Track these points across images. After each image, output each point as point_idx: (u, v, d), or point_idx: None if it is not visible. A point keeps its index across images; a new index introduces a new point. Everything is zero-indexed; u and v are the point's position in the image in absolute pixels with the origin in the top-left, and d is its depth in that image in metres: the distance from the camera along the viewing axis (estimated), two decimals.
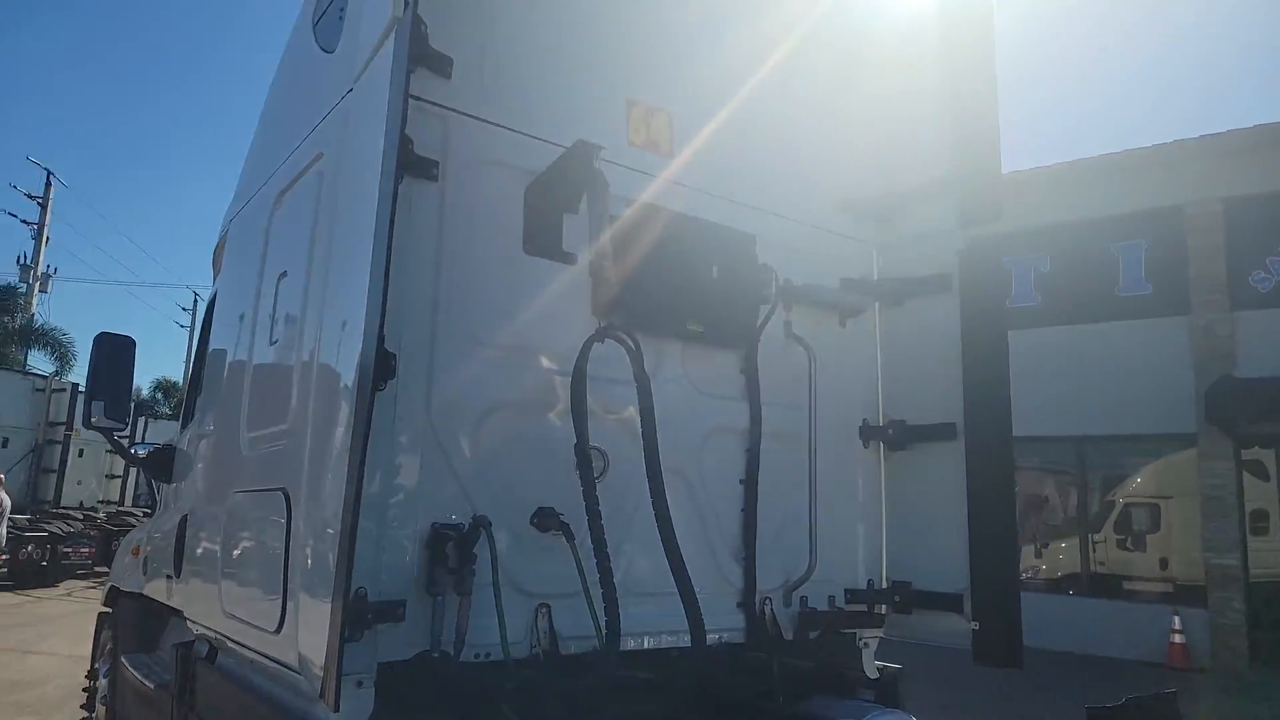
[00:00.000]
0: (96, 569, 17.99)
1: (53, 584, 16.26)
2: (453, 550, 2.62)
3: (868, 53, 3.98)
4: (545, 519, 2.88)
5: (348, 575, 2.10)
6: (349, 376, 2.34)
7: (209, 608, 3.41)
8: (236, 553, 3.19)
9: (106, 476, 23.29)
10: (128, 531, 19.22)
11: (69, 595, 15.52)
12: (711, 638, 3.18)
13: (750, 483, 3.43)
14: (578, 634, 2.88)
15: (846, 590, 3.71)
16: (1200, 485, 11.95)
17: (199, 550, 3.68)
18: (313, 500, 2.52)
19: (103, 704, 5.02)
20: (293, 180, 3.30)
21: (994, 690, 9.10)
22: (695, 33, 3.54)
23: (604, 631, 2.70)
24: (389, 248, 2.21)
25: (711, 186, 3.48)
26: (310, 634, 2.41)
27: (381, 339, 2.21)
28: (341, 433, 2.34)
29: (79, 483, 22.02)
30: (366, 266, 2.29)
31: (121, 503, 23.01)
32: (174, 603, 4.09)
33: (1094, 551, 13.50)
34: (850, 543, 3.76)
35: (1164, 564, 13.22)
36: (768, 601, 3.43)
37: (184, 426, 4.75)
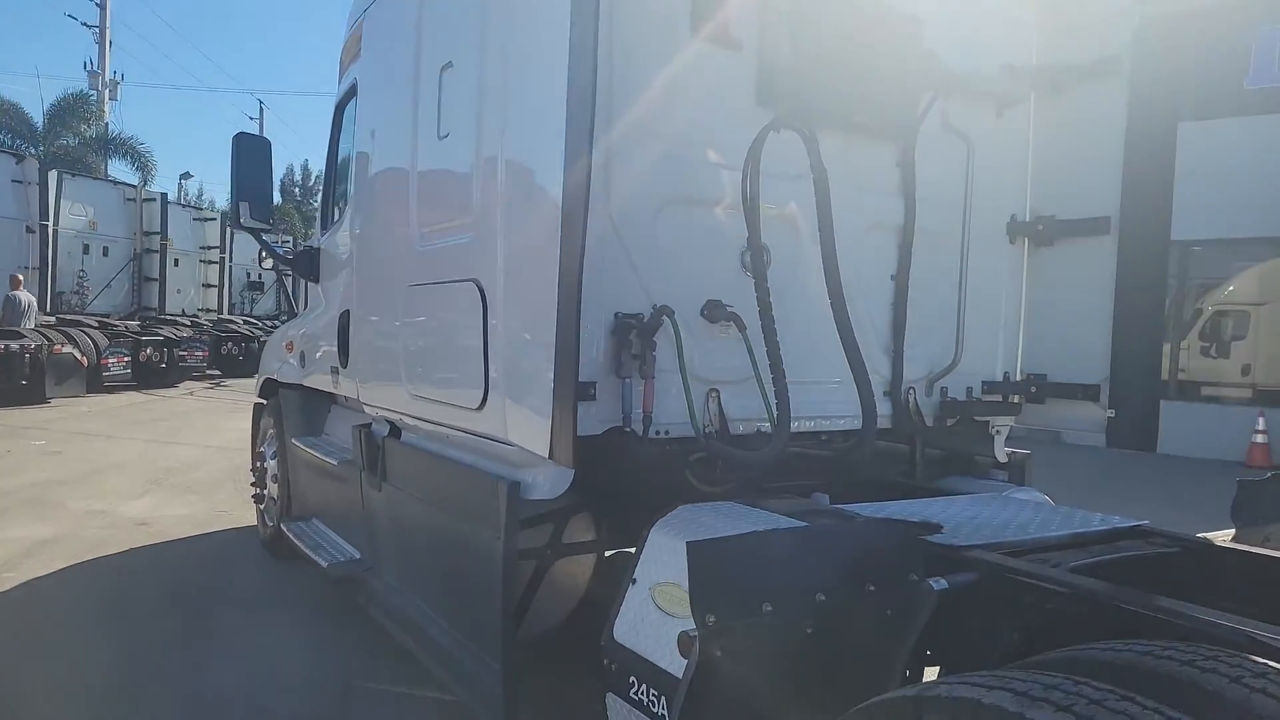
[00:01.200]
0: (208, 371, 19.40)
1: (173, 384, 17.61)
2: (635, 338, 2.79)
3: None
4: (714, 310, 3.00)
5: (576, 350, 2.29)
6: (549, 170, 2.40)
7: (390, 393, 3.71)
8: (422, 341, 3.43)
9: (203, 285, 24.45)
10: (233, 336, 20.37)
11: (191, 394, 16.85)
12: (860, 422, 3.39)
13: (901, 278, 3.48)
14: (744, 417, 3.09)
15: (984, 381, 3.83)
16: None
17: (372, 342, 3.95)
18: (513, 289, 2.67)
19: (273, 481, 5.61)
20: None
21: (1099, 481, 9.41)
22: None
23: (774, 412, 2.88)
24: (595, 32, 2.19)
25: None
26: (518, 407, 2.65)
27: (592, 130, 2.24)
28: (542, 225, 2.43)
29: (178, 291, 23.17)
30: (560, 54, 2.28)
31: (220, 310, 24.29)
32: (342, 391, 4.44)
33: (1178, 358, 13.39)
34: (990, 337, 3.83)
35: (1245, 370, 13.08)
36: (911, 391, 3.58)
37: (324, 228, 4.94)
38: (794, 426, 3.19)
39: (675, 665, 2.18)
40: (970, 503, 3.02)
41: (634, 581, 2.45)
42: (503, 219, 2.73)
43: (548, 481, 2.75)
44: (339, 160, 4.68)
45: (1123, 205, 3.57)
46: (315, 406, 5.11)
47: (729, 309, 2.98)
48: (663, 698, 2.17)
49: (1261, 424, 11.46)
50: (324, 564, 4.22)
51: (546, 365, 2.39)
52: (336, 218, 4.66)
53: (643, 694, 2.24)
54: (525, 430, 2.62)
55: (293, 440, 5.10)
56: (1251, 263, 12.97)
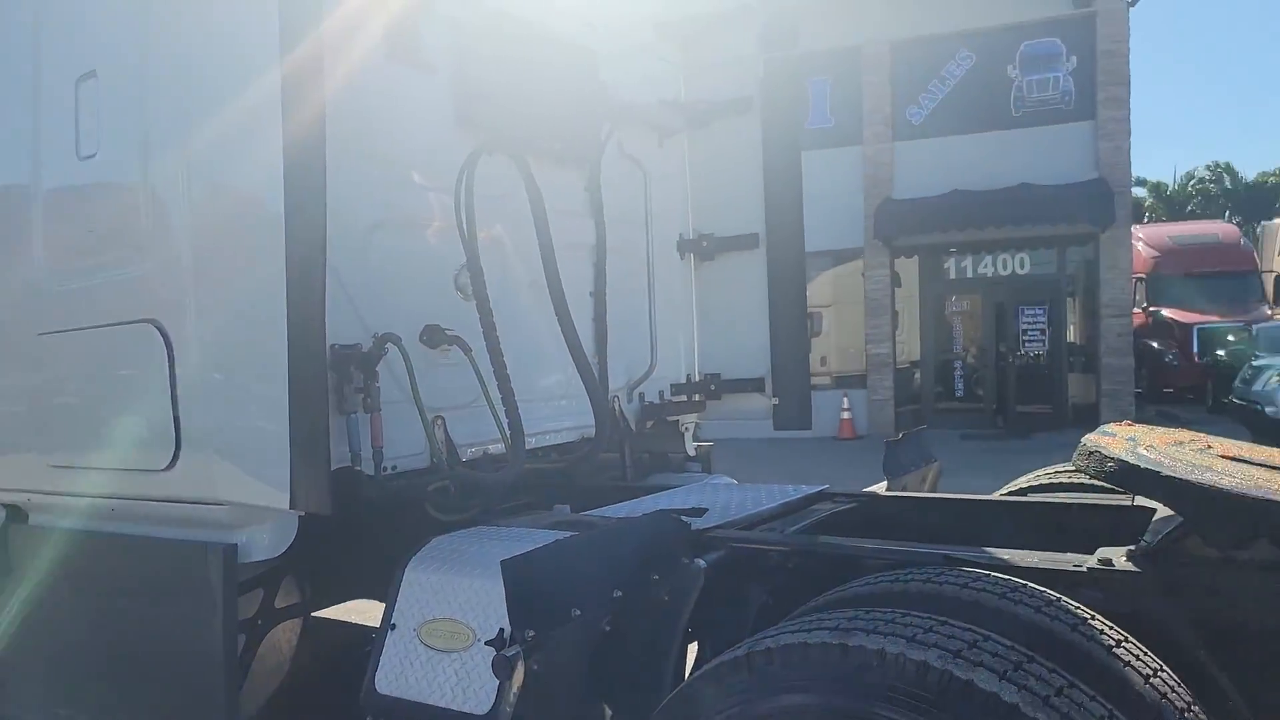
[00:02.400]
0: None
1: None
2: (356, 370, 2.61)
3: None
4: (434, 335, 2.92)
5: (323, 383, 2.09)
6: (265, 190, 2.16)
7: (9, 468, 3.02)
8: (68, 400, 2.83)
9: None
10: None
11: None
12: (575, 433, 3.54)
13: (599, 293, 3.69)
14: (469, 442, 3.04)
15: (671, 385, 4.20)
16: (865, 289, 14.34)
17: None
18: (214, 325, 2.35)
19: None
20: None
21: (757, 466, 10.59)
22: None
23: (507, 433, 2.89)
24: (319, 35, 2.04)
25: None
26: (233, 459, 2.33)
27: (324, 144, 2.07)
28: (258, 251, 2.19)
29: None
30: (268, 58, 2.10)
31: None
32: None
33: None
34: (673, 344, 4.22)
35: (824, 360, 15.82)
36: (615, 399, 3.80)
37: None
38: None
39: (456, 700, 2.10)
40: (687, 493, 3.30)
41: (393, 627, 2.30)
42: (193, 248, 2.39)
43: (267, 538, 2.46)
44: None
45: (767, 222, 4.19)
46: None
47: (449, 333, 2.93)
48: None
49: (846, 403, 13.98)
50: None
51: (277, 406, 2.15)
52: None
53: None
54: (247, 483, 2.31)
55: None
56: (818, 272, 15.66)
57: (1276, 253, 22.20)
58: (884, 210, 13.88)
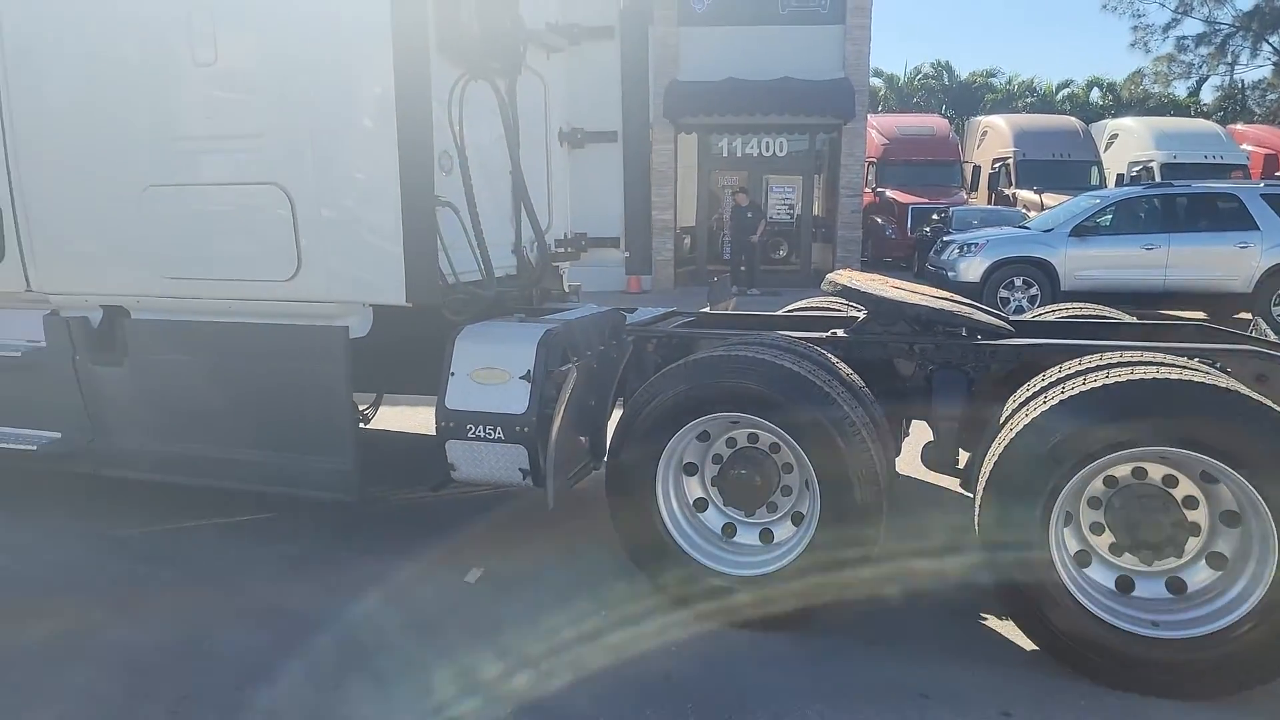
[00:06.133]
0: None
1: None
2: None
3: None
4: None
5: (432, 218, 3.55)
6: (376, 75, 3.53)
7: (114, 278, 4.11)
8: (186, 231, 3.93)
9: None
10: None
11: None
12: (501, 271, 5.07)
13: (516, 173, 5.13)
14: (454, 272, 4.50)
15: (554, 240, 5.79)
16: (653, 163, 16.21)
17: (75, 234, 4.17)
18: (336, 182, 3.71)
19: None
20: None
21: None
22: None
23: (483, 265, 4.40)
24: None
25: None
26: (354, 271, 3.73)
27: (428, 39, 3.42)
28: (368, 142, 3.52)
29: None
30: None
31: None
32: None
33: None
34: (559, 211, 5.77)
35: None
36: (524, 249, 5.34)
37: None
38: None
39: (502, 408, 3.75)
40: (587, 310, 5.01)
41: (453, 374, 3.88)
42: (311, 122, 3.64)
43: (360, 324, 3.89)
44: None
45: (624, 118, 5.76)
46: None
47: (441, 198, 4.32)
48: (498, 427, 3.74)
49: None
50: (32, 448, 4.31)
51: (393, 233, 3.57)
52: None
53: (480, 431, 3.77)
54: (362, 286, 3.72)
55: None
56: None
57: (976, 145, 26.52)
58: (672, 91, 15.66)
